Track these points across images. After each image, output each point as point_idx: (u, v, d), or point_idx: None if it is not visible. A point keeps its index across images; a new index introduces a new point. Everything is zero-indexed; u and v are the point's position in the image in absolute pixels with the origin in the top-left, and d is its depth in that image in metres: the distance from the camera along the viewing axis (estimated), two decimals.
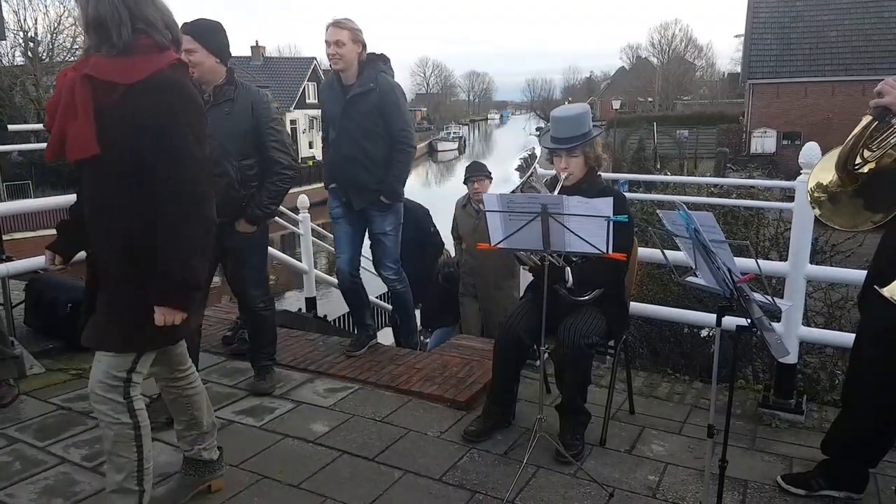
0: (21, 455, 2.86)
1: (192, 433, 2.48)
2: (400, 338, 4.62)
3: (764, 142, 29.04)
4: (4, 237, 5.54)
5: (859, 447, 2.49)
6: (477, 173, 4.93)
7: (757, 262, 2.26)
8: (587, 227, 2.44)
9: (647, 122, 36.83)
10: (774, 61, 28.88)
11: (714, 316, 2.23)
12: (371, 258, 4.17)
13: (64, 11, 27.08)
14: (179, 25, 2.26)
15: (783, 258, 4.06)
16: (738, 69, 35.42)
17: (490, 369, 3.12)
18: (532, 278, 3.24)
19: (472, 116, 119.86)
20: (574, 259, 2.75)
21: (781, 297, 3.19)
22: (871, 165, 2.27)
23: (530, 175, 2.82)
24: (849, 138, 2.29)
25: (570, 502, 2.55)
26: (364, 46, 3.69)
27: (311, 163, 32.59)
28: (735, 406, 3.24)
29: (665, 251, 2.55)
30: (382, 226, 3.88)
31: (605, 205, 2.39)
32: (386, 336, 5.30)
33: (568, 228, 2.47)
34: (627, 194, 4.20)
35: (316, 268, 6.47)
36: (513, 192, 2.72)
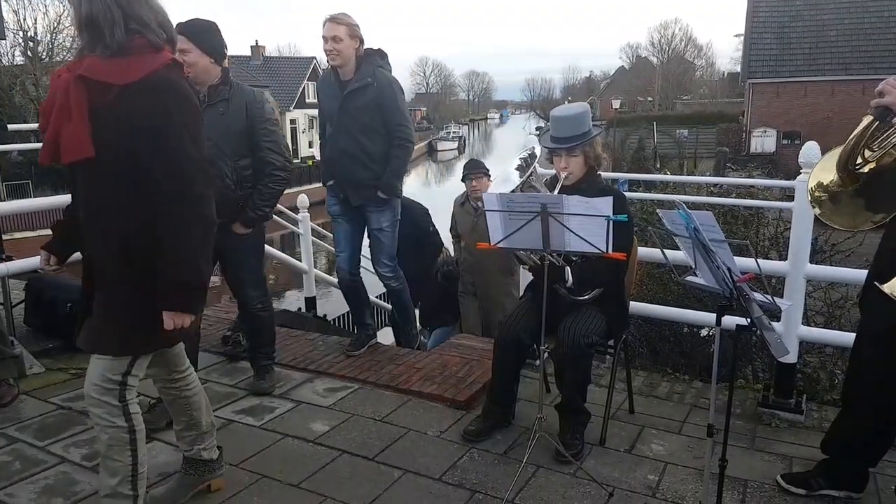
0: (21, 455, 2.86)
1: (192, 433, 2.47)
2: (400, 337, 4.62)
3: (764, 141, 29.02)
4: (4, 237, 5.55)
5: (859, 446, 2.49)
6: (475, 171, 4.92)
7: (757, 262, 2.26)
8: (587, 226, 2.44)
9: (646, 121, 36.82)
10: (774, 61, 28.86)
11: (714, 315, 2.23)
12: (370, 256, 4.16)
13: (63, 11, 27.02)
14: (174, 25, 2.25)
15: (783, 257, 4.06)
16: (738, 68, 35.41)
17: (490, 369, 3.12)
18: (532, 278, 3.24)
19: (472, 116, 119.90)
20: (574, 258, 2.75)
21: (781, 297, 3.19)
22: (872, 165, 2.28)
23: (530, 174, 2.82)
24: (850, 138, 2.29)
25: (569, 502, 2.55)
26: (361, 41, 3.67)
27: (311, 162, 32.61)
28: (735, 405, 3.24)
29: (665, 250, 2.55)
30: (379, 222, 3.86)
31: (604, 204, 2.39)
32: (386, 336, 5.30)
33: (568, 228, 2.47)
34: (627, 194, 4.20)
35: (316, 267, 6.47)
36: (512, 191, 2.72)
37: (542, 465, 2.79)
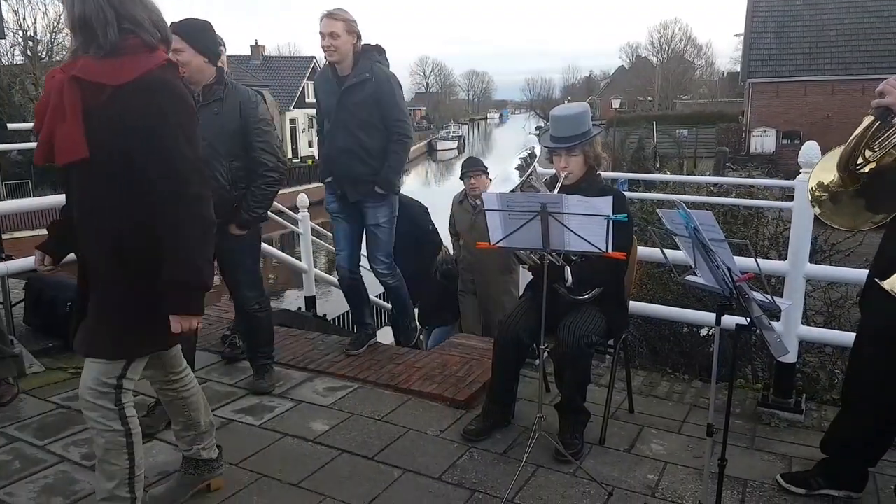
0: (20, 454, 2.85)
1: (190, 433, 2.47)
2: (399, 332, 4.60)
3: (763, 141, 29.02)
4: (4, 236, 5.55)
5: (859, 446, 2.49)
6: (473, 168, 4.91)
7: (756, 261, 2.26)
8: (587, 225, 2.44)
9: (646, 121, 36.82)
10: (774, 60, 28.86)
11: (713, 315, 2.23)
12: None
13: (63, 10, 27.03)
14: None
15: (782, 257, 4.06)
16: (738, 68, 35.41)
17: (489, 368, 3.12)
18: (531, 277, 3.24)
19: (472, 115, 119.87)
20: (573, 258, 2.75)
21: (781, 296, 3.19)
22: (873, 165, 2.28)
23: (530, 174, 2.82)
24: (850, 139, 2.29)
25: (569, 501, 2.55)
26: (359, 37, 3.65)
27: (311, 162, 32.55)
28: (734, 405, 3.24)
29: (664, 250, 2.55)
30: (376, 217, 3.84)
31: (604, 203, 2.39)
32: (385, 335, 5.29)
33: (567, 227, 2.46)
34: (627, 193, 4.20)
35: (315, 267, 6.47)
36: (512, 191, 2.72)
37: (542, 464, 2.79)
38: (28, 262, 3.68)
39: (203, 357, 3.91)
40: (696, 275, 2.28)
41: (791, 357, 3.27)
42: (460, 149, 68.79)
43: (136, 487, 2.18)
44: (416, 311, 5.20)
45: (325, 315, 6.75)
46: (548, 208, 2.45)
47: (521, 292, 4.15)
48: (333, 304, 8.04)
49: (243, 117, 3.18)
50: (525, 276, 3.82)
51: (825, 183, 2.42)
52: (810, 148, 3.10)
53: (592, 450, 2.94)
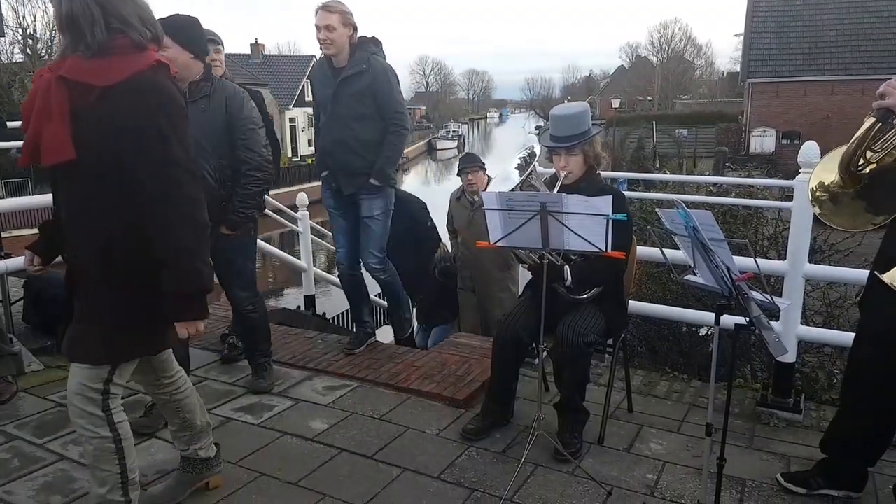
0: (19, 452, 2.85)
1: (186, 434, 2.46)
2: (394, 324, 4.55)
3: (763, 141, 29.02)
4: (3, 234, 5.54)
5: (858, 446, 2.49)
6: (471, 164, 4.91)
7: (756, 261, 2.26)
8: (586, 225, 2.44)
9: (646, 120, 36.79)
10: (774, 60, 28.86)
11: (713, 315, 2.24)
12: None
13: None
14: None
15: (782, 257, 4.07)
16: (738, 68, 35.43)
17: (489, 367, 3.12)
18: (531, 276, 3.24)
19: (472, 115, 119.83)
20: (573, 257, 2.75)
21: (780, 296, 3.19)
22: (873, 166, 2.28)
23: (529, 173, 2.82)
24: (852, 140, 2.29)
25: (568, 500, 2.55)
26: (355, 29, 3.62)
27: (310, 160, 32.53)
28: (733, 405, 3.24)
29: (664, 250, 2.55)
30: (370, 209, 3.79)
31: (604, 203, 2.39)
32: (385, 334, 5.29)
33: (567, 227, 2.47)
34: (626, 193, 4.20)
35: (315, 265, 6.47)
36: (512, 190, 2.72)
37: (541, 463, 2.79)
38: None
39: (202, 356, 3.91)
40: (695, 274, 2.28)
41: (790, 357, 3.27)
42: (460, 148, 68.66)
43: (130, 490, 2.17)
44: (415, 309, 5.20)
45: (324, 314, 6.75)
46: (547, 207, 2.45)
47: (519, 289, 4.15)
48: (333, 303, 8.05)
49: (229, 114, 3.15)
50: (524, 274, 3.82)
51: (826, 183, 2.42)
52: (810, 148, 3.10)
53: (591, 449, 2.94)
